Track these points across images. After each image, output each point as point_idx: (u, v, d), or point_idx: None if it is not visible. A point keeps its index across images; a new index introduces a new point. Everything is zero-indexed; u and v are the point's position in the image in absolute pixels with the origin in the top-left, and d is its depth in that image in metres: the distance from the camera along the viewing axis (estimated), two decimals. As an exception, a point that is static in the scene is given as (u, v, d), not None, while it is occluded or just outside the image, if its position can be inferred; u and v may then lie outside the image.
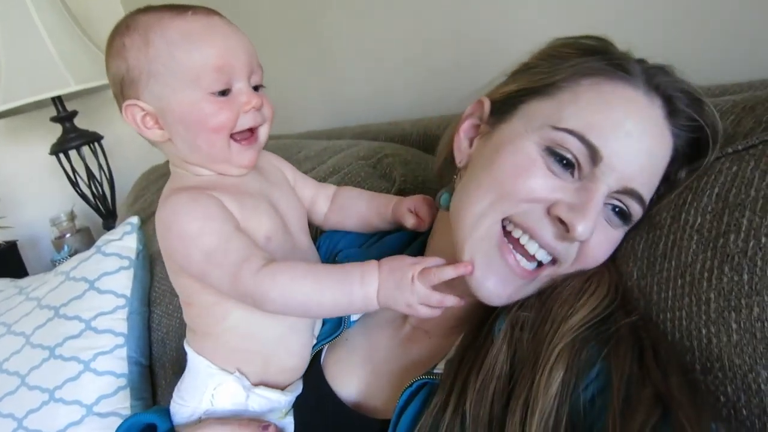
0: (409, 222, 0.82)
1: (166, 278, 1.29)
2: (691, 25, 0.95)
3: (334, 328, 0.79)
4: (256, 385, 0.72)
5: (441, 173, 0.83)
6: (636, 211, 0.65)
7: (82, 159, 1.99)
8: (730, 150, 0.64)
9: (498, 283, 0.65)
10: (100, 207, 2.09)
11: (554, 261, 0.65)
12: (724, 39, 0.91)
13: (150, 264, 1.35)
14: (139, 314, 1.27)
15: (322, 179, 1.14)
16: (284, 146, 1.32)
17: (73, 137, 1.95)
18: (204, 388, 0.71)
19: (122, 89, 0.69)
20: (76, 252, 1.79)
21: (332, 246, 0.89)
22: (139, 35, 0.67)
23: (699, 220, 0.63)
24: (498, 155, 0.66)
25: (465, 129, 0.75)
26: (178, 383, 0.76)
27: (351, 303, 0.61)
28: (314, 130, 1.54)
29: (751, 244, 0.57)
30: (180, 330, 1.23)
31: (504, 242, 0.65)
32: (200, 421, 0.70)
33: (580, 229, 0.60)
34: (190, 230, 0.64)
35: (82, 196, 2.07)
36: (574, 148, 0.62)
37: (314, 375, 0.77)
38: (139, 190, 1.60)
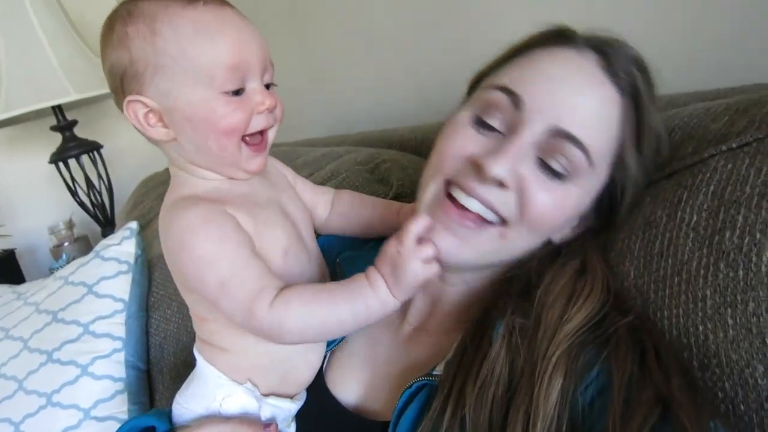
0: None
1: (165, 283, 1.30)
2: (687, 31, 0.96)
3: None
4: (266, 395, 0.70)
5: None
6: (577, 157, 0.63)
7: (82, 168, 1.99)
8: (724, 148, 0.65)
9: (446, 237, 0.65)
10: (99, 216, 2.09)
11: (504, 221, 0.65)
12: (718, 45, 0.93)
13: (148, 269, 1.35)
14: (137, 319, 1.27)
15: (319, 184, 1.15)
16: (283, 153, 1.32)
17: (72, 146, 1.95)
18: (212, 397, 0.68)
19: (123, 82, 0.63)
20: (73, 260, 1.79)
21: (329, 249, 0.88)
22: (144, 24, 0.60)
23: (695, 218, 0.63)
24: (442, 130, 0.71)
25: None
26: (184, 387, 0.74)
27: (370, 312, 0.61)
28: (313, 137, 1.55)
29: (746, 240, 0.58)
30: (177, 335, 1.23)
31: (446, 201, 0.66)
32: (201, 419, 0.69)
33: (489, 164, 0.62)
34: (205, 254, 0.60)
35: (81, 204, 2.07)
36: (500, 102, 0.66)
37: (315, 381, 0.76)
38: (138, 197, 1.60)
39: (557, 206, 0.65)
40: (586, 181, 0.65)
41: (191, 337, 1.20)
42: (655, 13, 1.00)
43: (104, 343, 1.20)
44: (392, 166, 1.10)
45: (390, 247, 0.61)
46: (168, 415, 0.75)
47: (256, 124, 0.64)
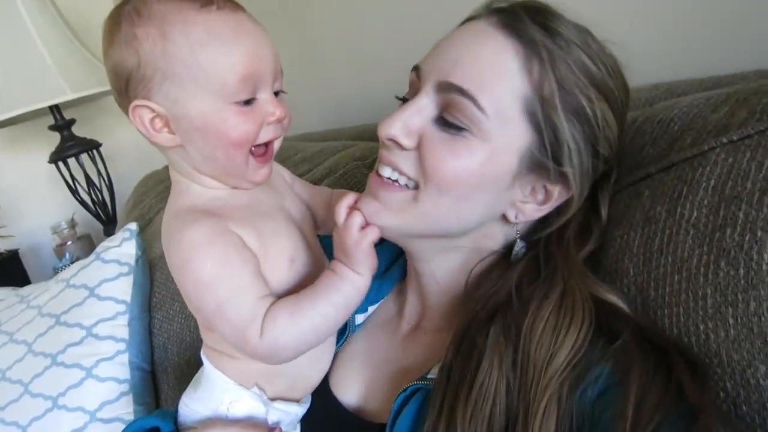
0: None
1: (166, 283, 1.30)
2: (683, 18, 0.94)
3: (339, 335, 0.79)
4: (273, 399, 0.70)
5: None
6: (468, 107, 0.62)
7: (81, 166, 1.98)
8: (725, 140, 0.63)
9: (369, 201, 0.68)
10: (101, 214, 2.09)
11: (416, 186, 0.66)
12: (716, 31, 0.91)
13: (150, 269, 1.35)
14: (139, 320, 1.27)
15: (318, 180, 1.14)
16: (280, 149, 1.31)
17: (71, 145, 1.94)
18: (219, 401, 0.69)
19: (128, 85, 0.60)
20: (77, 259, 1.79)
21: (329, 250, 0.88)
22: (154, 27, 0.58)
23: (695, 214, 0.62)
24: None
25: None
26: (191, 389, 0.74)
27: (347, 298, 0.63)
28: (310, 132, 1.54)
29: (747, 237, 0.57)
30: (181, 334, 1.23)
31: (373, 174, 0.70)
32: (207, 421, 0.69)
33: (379, 127, 0.66)
34: (206, 277, 0.60)
35: (82, 203, 2.07)
36: (410, 79, 0.70)
37: (319, 384, 0.77)
38: (138, 196, 1.60)
39: (458, 160, 0.63)
40: (493, 134, 0.62)
41: (195, 337, 1.20)
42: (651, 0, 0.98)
43: (108, 345, 1.20)
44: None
45: (333, 232, 0.65)
46: (173, 415, 0.75)
47: (265, 135, 0.63)
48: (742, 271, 0.56)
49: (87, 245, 2.07)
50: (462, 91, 0.62)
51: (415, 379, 0.66)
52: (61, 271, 1.69)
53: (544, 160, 0.64)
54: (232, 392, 0.69)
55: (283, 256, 0.66)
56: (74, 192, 2.04)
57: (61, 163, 1.97)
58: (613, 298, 0.63)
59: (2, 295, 1.40)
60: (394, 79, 1.46)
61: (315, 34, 1.62)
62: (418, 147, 0.65)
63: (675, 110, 0.73)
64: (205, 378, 0.71)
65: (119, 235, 1.33)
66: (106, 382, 1.18)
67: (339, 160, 1.17)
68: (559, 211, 0.68)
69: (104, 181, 2.07)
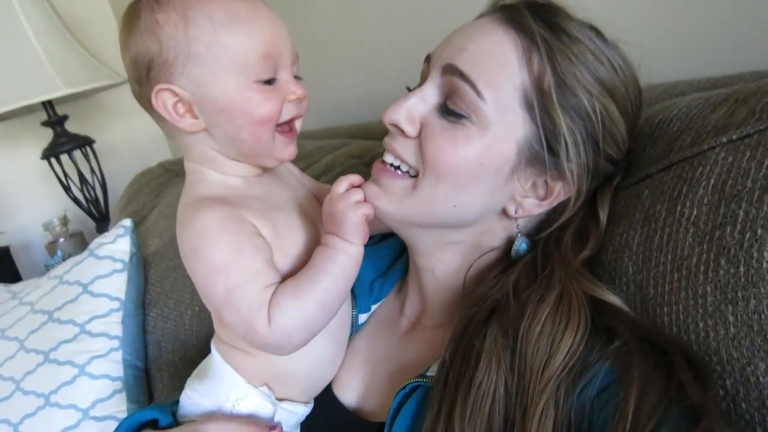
0: None
1: (161, 281, 1.30)
2: (681, 18, 0.95)
3: None
4: (280, 400, 0.70)
5: None
6: (468, 93, 0.63)
7: (74, 163, 1.97)
8: (724, 139, 0.63)
9: (371, 186, 0.69)
10: (93, 211, 2.07)
11: (416, 174, 0.67)
12: (715, 32, 0.91)
13: (144, 266, 1.34)
14: (133, 317, 1.26)
15: (315, 178, 1.14)
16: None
17: (64, 141, 1.93)
18: (225, 397, 0.68)
19: (149, 72, 0.61)
20: (69, 256, 1.77)
21: None
22: (175, 12, 0.59)
23: (695, 213, 0.62)
24: None
25: None
26: (196, 379, 0.73)
27: (344, 268, 0.63)
28: (307, 130, 1.54)
29: (747, 235, 0.57)
30: (175, 332, 1.23)
31: (377, 161, 0.72)
32: (208, 415, 0.69)
33: (384, 113, 0.67)
34: (216, 262, 0.60)
35: (75, 200, 2.05)
36: (422, 71, 0.71)
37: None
38: (131, 193, 1.59)
39: (456, 148, 0.64)
40: (492, 123, 0.63)
41: (189, 334, 1.20)
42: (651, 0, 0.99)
43: (101, 342, 1.19)
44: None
45: (324, 202, 0.65)
46: (171, 408, 0.75)
47: (287, 112, 0.64)
48: (742, 269, 0.56)
49: (79, 242, 2.05)
50: (462, 75, 0.63)
51: (414, 376, 0.66)
52: (52, 268, 1.68)
53: (542, 153, 0.64)
54: (239, 389, 0.68)
55: (297, 248, 0.66)
56: (67, 189, 2.03)
57: (53, 160, 1.96)
58: (612, 299, 0.63)
59: (-6, 291, 1.39)
60: (392, 77, 1.46)
61: (312, 33, 1.62)
62: (419, 135, 0.66)
63: (674, 111, 0.73)
64: (213, 371, 0.71)
65: (113, 232, 1.32)
66: (99, 380, 1.17)
67: (336, 158, 1.17)
68: (561, 208, 0.69)
69: (97, 178, 2.05)
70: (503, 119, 0.63)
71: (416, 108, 0.67)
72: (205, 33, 0.59)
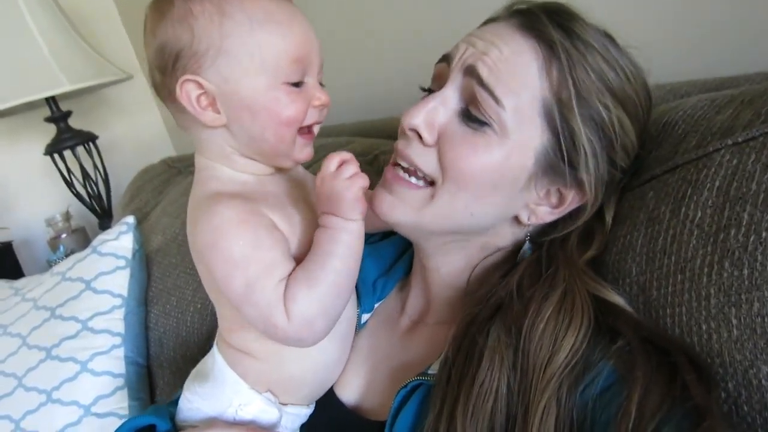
0: None
1: (163, 278, 1.30)
2: (689, 18, 0.94)
3: None
4: (284, 404, 0.70)
5: None
6: (486, 100, 0.62)
7: (77, 159, 1.97)
8: (729, 142, 0.63)
9: (383, 194, 0.69)
10: (96, 207, 2.07)
11: (432, 183, 0.66)
12: (722, 32, 0.91)
13: (146, 263, 1.34)
14: (135, 314, 1.27)
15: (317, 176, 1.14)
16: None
17: (67, 137, 1.93)
18: (228, 403, 0.68)
19: (176, 62, 0.61)
20: (71, 252, 1.78)
21: None
22: (211, 3, 0.59)
23: (699, 215, 0.62)
24: None
25: None
26: (194, 383, 0.72)
27: (350, 246, 0.62)
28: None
29: (752, 238, 0.57)
30: (177, 329, 1.23)
31: (388, 166, 0.70)
32: (209, 421, 0.68)
33: (404, 117, 0.66)
34: (237, 256, 0.59)
35: (78, 196, 2.05)
36: (440, 69, 0.69)
37: None
38: (134, 190, 1.59)
39: (477, 156, 0.63)
40: (512, 132, 0.63)
41: (190, 332, 1.20)
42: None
43: (103, 339, 1.19)
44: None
45: (316, 182, 0.63)
46: (169, 411, 0.74)
47: (310, 117, 0.64)
48: (746, 271, 0.56)
49: (81, 238, 2.06)
50: (482, 82, 0.63)
51: (415, 374, 0.66)
52: (54, 264, 1.68)
53: (560, 163, 0.64)
54: (243, 394, 0.68)
55: (310, 243, 0.65)
56: (70, 185, 2.03)
57: (56, 156, 1.96)
58: (616, 299, 0.63)
59: (-3, 287, 1.39)
60: (395, 76, 1.46)
61: (315, 30, 1.61)
62: (438, 142, 0.65)
63: (679, 112, 0.73)
64: (215, 375, 0.70)
65: (116, 229, 1.32)
66: (101, 377, 1.18)
67: (339, 156, 1.17)
68: (570, 215, 0.69)
69: (100, 174, 2.05)
70: (521, 128, 0.63)
71: (436, 113, 0.66)
72: (240, 29, 0.59)
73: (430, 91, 0.70)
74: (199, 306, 1.19)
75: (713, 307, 0.58)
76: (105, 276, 1.24)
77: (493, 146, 0.63)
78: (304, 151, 0.66)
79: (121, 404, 1.18)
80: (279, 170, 0.70)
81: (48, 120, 1.92)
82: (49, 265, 1.89)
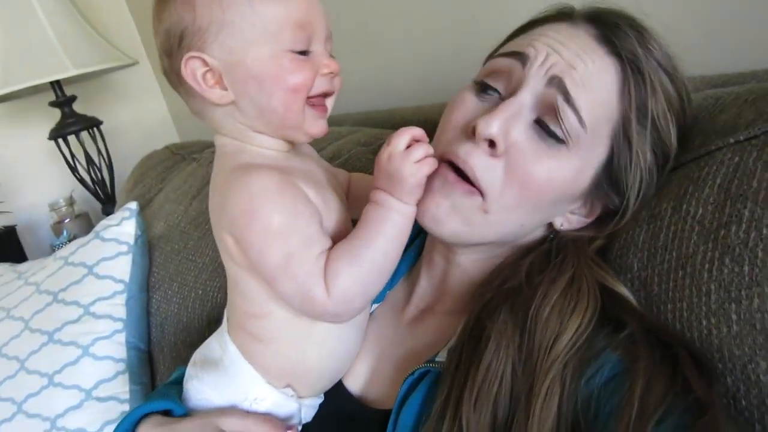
0: None
1: (165, 263, 1.30)
2: (695, 13, 0.94)
3: None
4: (302, 397, 0.70)
5: None
6: (568, 116, 0.61)
7: (81, 144, 1.97)
8: (731, 140, 0.64)
9: (441, 200, 0.65)
10: (99, 192, 2.08)
11: (486, 194, 0.63)
12: (728, 28, 0.91)
13: (149, 249, 1.35)
14: (137, 299, 1.27)
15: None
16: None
17: (71, 122, 1.93)
18: (243, 395, 0.67)
19: (181, 42, 0.60)
20: (74, 237, 1.78)
21: None
22: None
23: (700, 211, 0.62)
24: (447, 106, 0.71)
25: None
26: (202, 371, 0.71)
27: (399, 228, 0.61)
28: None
29: (752, 235, 0.57)
30: (178, 315, 1.23)
31: (443, 166, 0.65)
32: (223, 410, 0.67)
33: (482, 124, 0.61)
34: (275, 225, 0.58)
35: (81, 181, 2.06)
36: (506, 65, 0.66)
37: None
38: (138, 176, 1.59)
39: (549, 173, 0.63)
40: (584, 150, 0.63)
41: (192, 317, 1.21)
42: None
43: (105, 323, 1.20)
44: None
45: (381, 157, 0.61)
46: (177, 390, 0.74)
47: (319, 85, 0.63)
48: (746, 268, 0.57)
49: (85, 223, 2.06)
50: (569, 100, 0.61)
51: (422, 362, 0.66)
52: (58, 248, 1.69)
53: (612, 181, 0.65)
54: (259, 389, 0.67)
55: (338, 220, 0.66)
56: (73, 170, 2.03)
57: (60, 140, 1.96)
58: (622, 290, 0.64)
59: (0, 270, 1.40)
60: (401, 66, 1.46)
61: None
62: (507, 152, 0.62)
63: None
64: (226, 366, 0.68)
65: (119, 214, 1.32)
66: (102, 361, 1.18)
67: (343, 145, 1.17)
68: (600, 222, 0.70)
69: (104, 159, 2.06)
70: (591, 147, 0.64)
71: (513, 122, 0.62)
72: (240, 0, 0.59)
73: (483, 86, 0.67)
74: (200, 292, 1.20)
75: (713, 303, 0.59)
76: (107, 261, 1.24)
77: (564, 163, 0.63)
78: (316, 123, 0.64)
79: (122, 389, 1.19)
80: (297, 152, 0.68)
81: (53, 104, 1.92)
82: (53, 249, 1.90)
